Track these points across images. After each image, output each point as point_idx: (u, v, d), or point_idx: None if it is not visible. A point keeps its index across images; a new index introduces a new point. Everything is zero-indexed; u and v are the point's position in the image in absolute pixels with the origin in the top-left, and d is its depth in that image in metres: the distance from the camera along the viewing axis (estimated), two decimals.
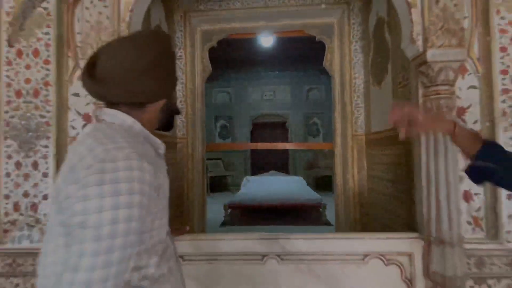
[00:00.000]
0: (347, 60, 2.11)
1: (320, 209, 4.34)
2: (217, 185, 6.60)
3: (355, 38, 2.07)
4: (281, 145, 4.55)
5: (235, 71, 6.17)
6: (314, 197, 4.41)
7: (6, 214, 1.45)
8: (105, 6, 1.30)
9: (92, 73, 0.69)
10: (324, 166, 6.58)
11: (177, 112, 0.83)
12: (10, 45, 1.42)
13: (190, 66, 2.23)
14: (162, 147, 0.75)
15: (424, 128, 0.75)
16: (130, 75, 0.67)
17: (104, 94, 0.69)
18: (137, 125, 0.70)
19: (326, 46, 2.24)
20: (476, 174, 0.75)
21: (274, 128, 6.83)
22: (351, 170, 2.12)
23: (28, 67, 1.46)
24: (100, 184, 0.58)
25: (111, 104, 0.71)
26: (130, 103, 0.70)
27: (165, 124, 0.80)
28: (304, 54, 5.12)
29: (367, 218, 2.02)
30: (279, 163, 6.67)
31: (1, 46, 1.47)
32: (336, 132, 2.24)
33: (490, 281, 1.36)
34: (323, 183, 6.34)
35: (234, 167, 6.93)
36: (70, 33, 1.46)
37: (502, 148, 0.77)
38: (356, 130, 2.11)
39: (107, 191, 0.57)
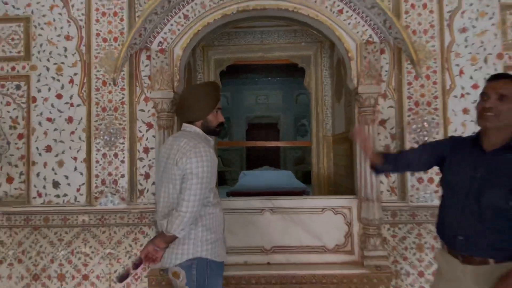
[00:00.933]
0: (319, 82, 2.96)
1: (304, 195, 5.20)
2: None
3: (325, 67, 2.93)
4: (273, 143, 5.37)
5: (233, 77, 6.97)
6: (300, 185, 5.28)
7: (96, 187, 2.25)
8: (165, 58, 2.11)
9: (181, 105, 1.51)
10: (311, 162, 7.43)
11: (213, 128, 1.58)
12: (104, 82, 2.22)
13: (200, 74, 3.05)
14: (212, 141, 1.57)
15: (365, 144, 1.42)
16: (196, 107, 1.48)
17: (186, 116, 1.51)
18: (201, 131, 1.52)
19: (306, 71, 3.08)
20: (378, 171, 1.55)
21: (267, 128, 7.65)
22: (322, 161, 2.98)
23: (110, 92, 2.27)
24: (196, 156, 1.39)
25: (187, 121, 1.52)
26: (194, 121, 1.51)
27: (210, 133, 1.58)
28: (292, 65, 5.95)
29: (333, 193, 2.88)
30: (272, 159, 7.49)
31: (92, 79, 2.27)
32: (313, 133, 3.09)
33: (400, 225, 2.22)
34: (310, 177, 7.19)
35: (231, 163, 7.73)
36: (137, 70, 2.27)
37: (394, 154, 1.57)
38: (326, 132, 2.96)
39: (199, 159, 1.39)
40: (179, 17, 2.13)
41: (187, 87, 1.53)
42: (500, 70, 2.27)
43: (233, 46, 2.91)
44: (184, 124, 1.53)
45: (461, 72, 2.27)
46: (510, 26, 2.30)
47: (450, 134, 2.20)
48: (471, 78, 2.26)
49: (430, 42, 2.25)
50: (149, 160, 2.28)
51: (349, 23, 2.11)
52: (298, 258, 2.07)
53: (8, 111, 2.37)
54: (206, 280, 1.40)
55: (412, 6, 2.25)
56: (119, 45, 2.26)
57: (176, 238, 1.36)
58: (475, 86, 2.25)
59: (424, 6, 2.25)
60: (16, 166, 2.36)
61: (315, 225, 2.13)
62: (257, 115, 7.65)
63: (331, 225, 2.13)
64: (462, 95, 2.25)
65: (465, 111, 2.24)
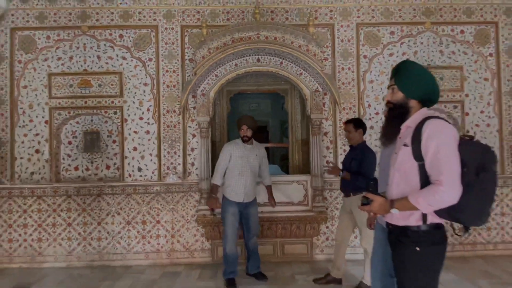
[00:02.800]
0: (293, 106, 4.69)
1: None
2: None
3: (297, 97, 4.65)
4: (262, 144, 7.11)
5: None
6: (282, 174, 7.08)
7: (164, 170, 3.92)
8: (205, 98, 3.80)
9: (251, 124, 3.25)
10: None
11: (241, 138, 3.33)
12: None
13: (220, 107, 4.73)
14: (240, 142, 3.29)
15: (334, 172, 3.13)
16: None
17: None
18: (239, 140, 3.26)
19: (285, 98, 4.81)
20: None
21: (258, 130, 9.34)
22: (296, 156, 4.71)
23: (171, 116, 3.93)
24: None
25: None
26: None
27: (242, 140, 3.32)
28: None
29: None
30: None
31: (160, 109, 3.92)
32: (290, 138, 4.81)
33: (334, 190, 3.97)
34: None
35: None
36: (187, 104, 3.94)
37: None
38: (297, 137, 4.70)
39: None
40: (213, 76, 3.81)
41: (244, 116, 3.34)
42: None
43: (238, 82, 4.58)
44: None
45: (369, 106, 4.05)
46: None
47: None
48: (374, 108, 4.05)
49: (352, 89, 4.02)
50: (194, 155, 3.96)
51: (306, 80, 3.84)
52: (279, 208, 3.79)
53: (106, 127, 4.02)
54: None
55: (342, 68, 4.01)
56: (176, 89, 3.94)
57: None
58: (377, 113, 4.04)
59: (349, 68, 4.02)
60: (111, 159, 4.02)
61: (288, 191, 3.86)
62: None
63: (296, 190, 3.88)
64: (370, 119, 4.03)
65: (371, 128, 4.02)
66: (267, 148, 10.36)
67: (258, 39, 3.67)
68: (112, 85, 3.97)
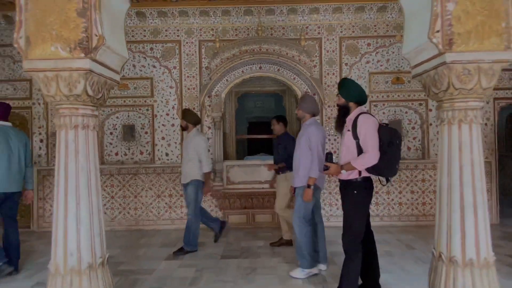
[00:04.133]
0: (290, 103, 5.67)
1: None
2: None
3: (292, 97, 5.63)
4: (264, 136, 8.07)
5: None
6: None
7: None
8: (218, 98, 4.81)
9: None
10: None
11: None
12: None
13: (230, 105, 5.74)
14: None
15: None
16: None
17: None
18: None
19: (283, 98, 5.79)
20: None
21: (263, 126, 10.32)
22: None
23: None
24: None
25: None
26: None
27: None
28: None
29: None
30: (266, 148, 10.19)
31: (182, 106, 4.95)
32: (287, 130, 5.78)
33: None
34: None
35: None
36: (204, 103, 4.95)
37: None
38: (293, 130, 5.68)
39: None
40: (224, 80, 4.81)
41: None
42: (367, 104, 5.00)
43: (244, 85, 5.57)
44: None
45: None
46: (373, 83, 5.03)
47: None
48: None
49: (335, 91, 4.96)
50: (209, 143, 4.99)
51: (298, 83, 4.81)
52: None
53: (140, 121, 5.08)
54: None
55: (328, 74, 4.97)
56: (195, 91, 4.96)
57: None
58: None
59: (333, 74, 4.97)
60: (144, 147, 5.08)
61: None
62: (255, 116, 10.34)
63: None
64: None
65: None
66: (270, 140, 11.31)
67: (260, 50, 4.67)
68: (145, 87, 5.02)
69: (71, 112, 1.73)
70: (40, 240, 4.45)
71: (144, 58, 5.01)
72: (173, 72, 5.01)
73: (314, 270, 3.02)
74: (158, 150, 5.01)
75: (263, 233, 4.55)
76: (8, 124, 3.38)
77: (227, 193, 4.81)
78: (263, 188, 4.77)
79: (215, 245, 4.10)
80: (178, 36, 5.00)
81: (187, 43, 5.00)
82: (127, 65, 5.01)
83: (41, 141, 5.00)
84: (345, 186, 2.45)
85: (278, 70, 4.80)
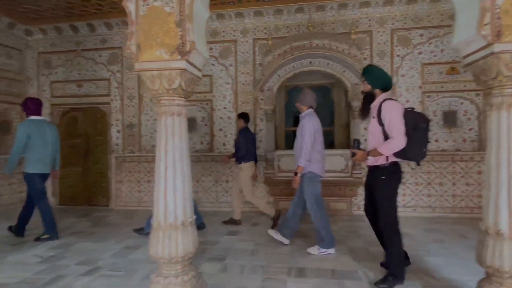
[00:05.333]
0: (339, 97, 5.84)
1: None
2: None
3: (341, 89, 5.78)
4: None
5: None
6: None
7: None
8: (270, 92, 5.18)
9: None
10: None
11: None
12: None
13: (280, 99, 6.07)
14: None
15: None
16: None
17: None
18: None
19: (332, 91, 5.97)
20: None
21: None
22: (340, 137, 5.87)
23: (246, 106, 5.39)
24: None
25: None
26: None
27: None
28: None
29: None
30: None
31: (237, 101, 5.41)
32: (335, 122, 5.96)
33: None
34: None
35: None
36: (258, 98, 5.35)
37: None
38: (341, 121, 5.84)
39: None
40: (276, 76, 5.15)
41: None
42: (419, 95, 5.00)
43: (293, 79, 5.86)
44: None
45: (400, 95, 5.05)
46: (426, 73, 5.00)
47: None
48: (405, 97, 5.03)
49: None
50: (261, 135, 5.38)
51: (348, 76, 4.98)
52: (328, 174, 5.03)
53: (200, 114, 5.64)
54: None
55: (378, 65, 5.05)
56: (249, 86, 5.38)
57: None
58: (407, 101, 5.02)
59: (383, 65, 5.05)
60: (203, 137, 5.64)
61: (334, 161, 5.08)
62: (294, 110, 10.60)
63: (340, 161, 5.07)
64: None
65: None
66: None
67: (311, 46, 4.93)
68: (205, 84, 5.56)
69: (169, 103, 2.20)
70: (119, 216, 5.24)
71: None
72: (229, 69, 5.48)
73: (330, 251, 3.25)
74: (216, 140, 5.54)
75: None
76: (43, 118, 3.98)
77: (278, 181, 5.17)
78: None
79: (269, 225, 4.49)
80: (234, 36, 5.45)
81: (242, 42, 5.43)
82: None
83: (118, 131, 5.81)
84: (374, 172, 2.50)
85: (328, 64, 5.01)
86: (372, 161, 2.47)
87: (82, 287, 2.63)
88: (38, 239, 3.86)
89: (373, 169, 2.52)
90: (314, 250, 3.29)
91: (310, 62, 5.08)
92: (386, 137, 2.39)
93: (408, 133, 2.32)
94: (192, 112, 5.66)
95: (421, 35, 4.99)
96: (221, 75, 5.50)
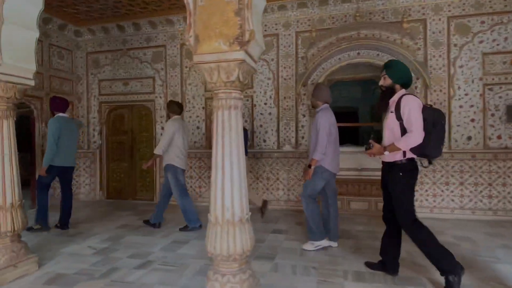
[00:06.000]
0: None
1: None
2: None
3: None
4: (350, 124, 7.96)
5: None
6: None
7: (281, 141, 5.30)
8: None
9: None
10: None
11: None
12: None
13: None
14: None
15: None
16: None
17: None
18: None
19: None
20: None
21: (348, 114, 10.16)
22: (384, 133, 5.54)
23: (287, 102, 5.26)
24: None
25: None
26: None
27: None
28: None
29: None
30: (351, 138, 10.06)
31: (279, 95, 5.28)
32: (383, 118, 5.63)
33: None
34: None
35: None
36: (300, 92, 5.20)
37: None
38: None
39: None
40: (320, 69, 4.96)
41: None
42: (481, 87, 4.56)
43: (337, 73, 5.62)
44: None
45: (459, 88, 4.64)
46: (487, 64, 4.55)
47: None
48: (464, 90, 4.62)
49: (442, 74, 4.67)
50: (304, 131, 5.22)
51: None
52: (376, 173, 4.77)
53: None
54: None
55: (433, 56, 4.69)
56: (291, 81, 5.23)
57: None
58: (466, 95, 4.60)
59: (440, 56, 4.66)
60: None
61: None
62: (338, 105, 10.22)
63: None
64: (459, 99, 4.63)
65: (460, 106, 4.61)
66: (356, 130, 11.05)
67: (359, 36, 4.67)
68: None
69: (226, 96, 2.13)
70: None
71: None
72: (270, 64, 5.36)
73: (324, 243, 3.29)
74: (257, 137, 5.46)
75: (360, 219, 4.61)
76: (67, 115, 4.23)
77: None
78: (360, 175, 4.81)
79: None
80: (276, 29, 5.32)
81: (284, 35, 5.29)
82: None
83: (162, 128, 5.92)
84: (390, 169, 2.45)
85: (378, 55, 4.73)
86: (389, 156, 2.42)
87: (137, 279, 2.66)
88: (30, 228, 3.99)
89: (389, 166, 2.47)
90: (309, 246, 3.31)
91: (358, 53, 4.82)
92: (403, 132, 2.36)
93: (427, 129, 2.29)
94: None
95: (482, 22, 4.54)
96: (262, 70, 5.41)
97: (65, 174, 4.20)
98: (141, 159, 6.09)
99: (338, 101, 10.31)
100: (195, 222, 4.09)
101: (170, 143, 4.05)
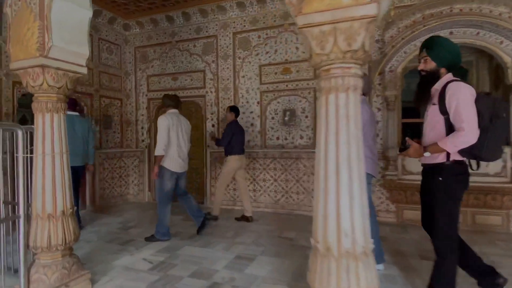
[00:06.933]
0: (481, 78, 4.54)
1: None
2: None
3: (485, 68, 4.48)
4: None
5: None
6: None
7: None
8: (393, 74, 4.20)
9: None
10: None
11: None
12: None
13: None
14: None
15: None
16: None
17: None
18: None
19: (469, 71, 4.69)
20: None
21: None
22: None
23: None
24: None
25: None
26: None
27: None
28: None
29: None
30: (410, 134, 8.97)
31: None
32: None
33: None
34: None
35: None
36: (374, 82, 4.43)
37: None
38: None
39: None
40: (402, 53, 4.16)
41: None
42: None
43: (413, 59, 4.77)
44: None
45: None
46: None
47: None
48: None
49: None
50: (378, 127, 4.44)
51: (506, 48, 3.74)
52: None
53: (300, 105, 4.92)
54: None
55: None
56: (363, 69, 4.48)
57: None
58: None
59: None
60: (304, 131, 4.92)
61: None
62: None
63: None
64: None
65: None
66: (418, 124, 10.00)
67: (451, 12, 3.82)
68: (307, 70, 4.84)
69: (344, 72, 1.50)
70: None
71: None
72: None
73: (379, 267, 2.68)
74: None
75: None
76: (75, 113, 4.00)
77: (402, 184, 4.19)
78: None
79: (394, 239, 3.56)
80: None
81: None
82: (289, 48, 4.93)
83: (213, 126, 5.46)
84: (431, 173, 2.01)
85: (478, 33, 3.84)
86: (429, 158, 1.99)
87: None
88: None
89: (429, 169, 2.03)
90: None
91: (451, 32, 3.97)
92: (450, 129, 1.89)
93: (482, 126, 1.81)
94: (291, 103, 5.00)
95: None
96: None
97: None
98: (190, 159, 5.65)
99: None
100: (164, 235, 3.61)
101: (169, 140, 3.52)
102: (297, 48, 4.89)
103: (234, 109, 4.54)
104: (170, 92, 5.75)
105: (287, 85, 4.96)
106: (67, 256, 2.38)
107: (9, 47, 2.25)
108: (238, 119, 4.65)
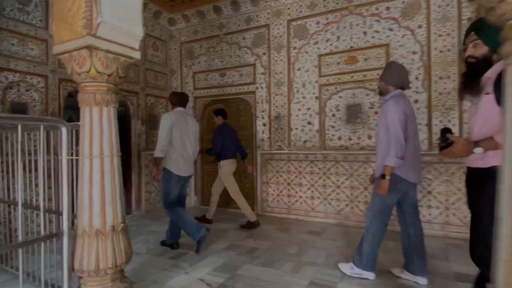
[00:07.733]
0: None
1: None
2: None
3: None
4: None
5: None
6: None
7: (435, 140, 3.81)
8: None
9: None
10: None
11: None
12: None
13: None
14: None
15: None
16: None
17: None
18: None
19: None
20: None
21: None
22: None
23: (444, 82, 3.74)
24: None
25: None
26: None
27: None
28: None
29: None
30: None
31: (431, 76, 3.80)
32: None
33: None
34: None
35: None
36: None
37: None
38: None
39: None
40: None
41: None
42: None
43: None
44: None
45: None
46: None
47: None
48: None
49: None
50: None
51: None
52: None
53: (368, 99, 4.23)
54: None
55: None
56: (451, 53, 3.70)
57: None
58: None
59: None
60: (373, 130, 4.21)
61: None
62: None
63: None
64: None
65: None
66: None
67: None
68: (377, 57, 4.15)
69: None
70: (270, 225, 4.32)
71: (378, 21, 4.12)
72: (417, 33, 3.91)
73: (367, 275, 2.57)
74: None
75: None
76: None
77: None
78: None
79: None
80: None
81: None
82: (355, 33, 4.27)
83: (264, 125, 4.94)
84: (481, 178, 1.60)
85: None
86: (480, 161, 1.58)
87: None
88: None
89: (480, 174, 1.61)
90: (346, 268, 2.70)
91: None
92: None
93: None
94: (356, 98, 4.32)
95: None
96: (403, 42, 3.98)
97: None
98: (239, 161, 5.20)
99: None
100: (173, 238, 3.41)
101: (170, 141, 3.22)
102: (365, 33, 4.21)
103: (219, 112, 4.30)
104: (219, 90, 5.34)
105: (352, 76, 4.29)
106: (117, 280, 1.95)
107: (52, 28, 1.87)
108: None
